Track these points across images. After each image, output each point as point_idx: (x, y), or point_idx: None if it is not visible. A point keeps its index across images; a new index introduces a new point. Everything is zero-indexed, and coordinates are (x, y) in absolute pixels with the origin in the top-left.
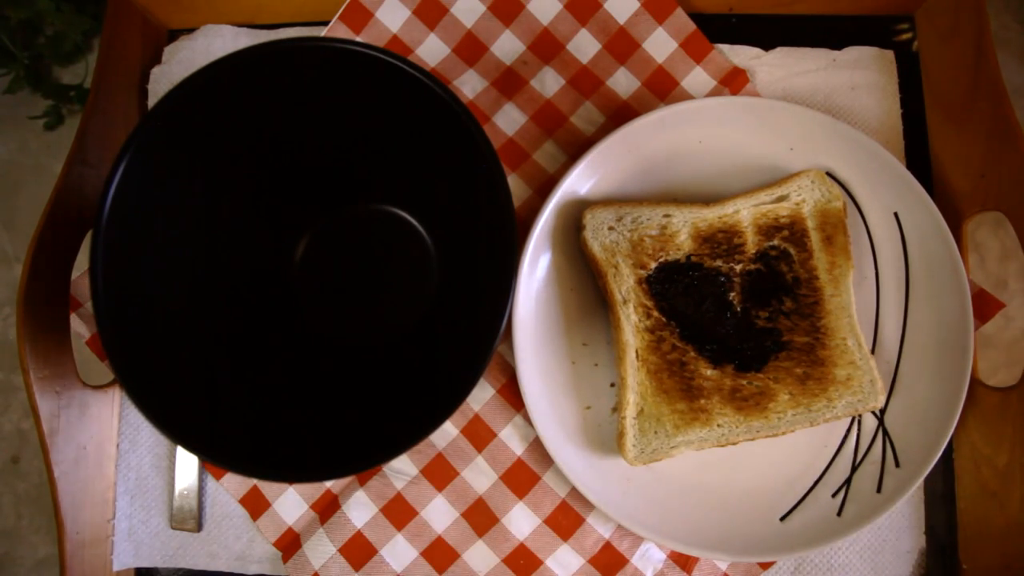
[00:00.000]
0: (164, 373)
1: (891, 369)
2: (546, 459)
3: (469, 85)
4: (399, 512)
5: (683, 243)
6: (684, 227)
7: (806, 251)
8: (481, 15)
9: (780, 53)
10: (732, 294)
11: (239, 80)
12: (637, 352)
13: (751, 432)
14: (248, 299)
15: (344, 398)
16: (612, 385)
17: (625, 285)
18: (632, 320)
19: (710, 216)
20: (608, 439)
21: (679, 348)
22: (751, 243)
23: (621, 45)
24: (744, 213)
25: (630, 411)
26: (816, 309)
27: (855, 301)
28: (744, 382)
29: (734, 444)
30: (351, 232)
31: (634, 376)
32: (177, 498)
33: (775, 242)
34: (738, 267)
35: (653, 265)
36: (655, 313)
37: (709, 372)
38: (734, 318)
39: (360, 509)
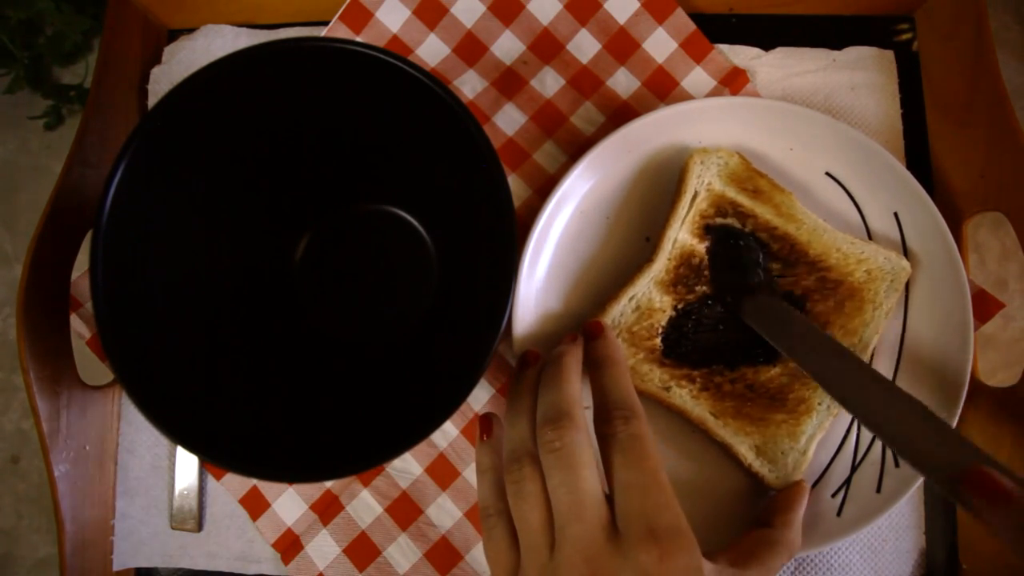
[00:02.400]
0: (164, 373)
1: (891, 369)
2: None
3: (469, 85)
4: (404, 511)
5: (662, 303)
6: (651, 292)
7: (749, 216)
8: (481, 15)
9: (780, 53)
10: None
11: (239, 80)
12: (711, 413)
13: None
14: (248, 299)
15: (344, 398)
16: None
17: (657, 378)
18: (686, 398)
19: (661, 265)
20: None
21: (737, 378)
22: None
23: (621, 45)
24: (682, 235)
25: (754, 460)
26: (797, 251)
27: (820, 216)
28: None
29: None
30: (351, 232)
31: (726, 431)
32: (177, 498)
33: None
34: None
35: (658, 342)
36: (695, 373)
37: (773, 371)
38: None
39: (365, 509)
